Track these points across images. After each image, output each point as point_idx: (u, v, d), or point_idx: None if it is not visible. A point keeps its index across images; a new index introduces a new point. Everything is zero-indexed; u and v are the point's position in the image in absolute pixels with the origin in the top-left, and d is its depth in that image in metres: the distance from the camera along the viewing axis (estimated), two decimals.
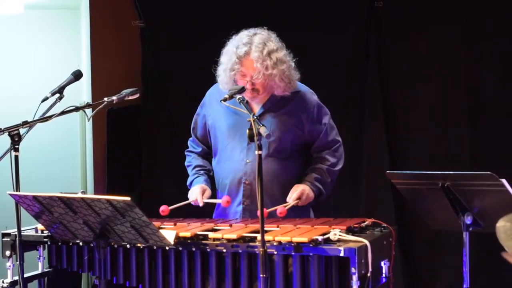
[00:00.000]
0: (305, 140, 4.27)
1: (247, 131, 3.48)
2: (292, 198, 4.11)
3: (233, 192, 4.23)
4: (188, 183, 4.37)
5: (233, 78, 4.12)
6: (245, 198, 4.20)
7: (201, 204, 4.17)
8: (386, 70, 5.73)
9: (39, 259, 4.08)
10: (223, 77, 4.16)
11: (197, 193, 4.19)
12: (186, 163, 4.46)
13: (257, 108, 4.21)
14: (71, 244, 3.91)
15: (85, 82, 6.00)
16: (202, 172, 4.36)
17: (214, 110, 4.33)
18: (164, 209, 4.08)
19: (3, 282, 3.93)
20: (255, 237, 3.53)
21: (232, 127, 4.23)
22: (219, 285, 3.61)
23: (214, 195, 4.33)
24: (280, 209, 4.00)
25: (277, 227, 3.76)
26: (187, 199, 4.24)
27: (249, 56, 4.06)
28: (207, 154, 4.43)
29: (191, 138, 4.49)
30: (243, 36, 4.13)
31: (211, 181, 4.38)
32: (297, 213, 4.16)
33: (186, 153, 4.49)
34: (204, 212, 4.33)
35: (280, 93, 4.15)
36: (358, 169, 5.74)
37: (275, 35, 4.21)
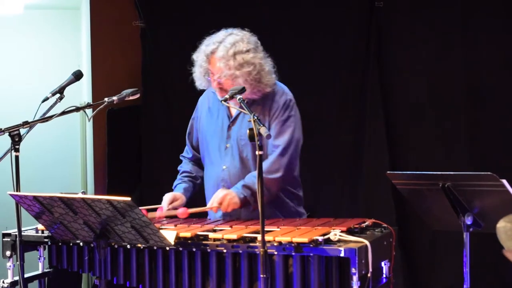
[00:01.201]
0: None
1: (247, 131, 3.46)
2: (211, 203, 4.07)
3: (211, 197, 4.20)
4: (173, 187, 4.37)
5: (204, 75, 4.15)
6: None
7: (164, 213, 4.10)
8: (387, 70, 5.73)
9: (39, 259, 4.08)
10: (196, 73, 4.21)
11: (165, 201, 4.16)
12: (178, 167, 4.47)
13: (234, 111, 4.22)
14: (71, 244, 3.91)
15: (86, 82, 6.01)
16: (186, 179, 4.37)
17: (201, 115, 4.37)
18: (183, 211, 4.06)
19: (3, 282, 3.93)
20: (256, 238, 3.52)
21: (213, 131, 4.25)
22: (220, 285, 3.61)
23: (202, 201, 4.32)
24: (182, 210, 4.01)
25: (278, 227, 3.75)
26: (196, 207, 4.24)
27: (215, 54, 4.08)
28: (198, 159, 4.43)
29: (186, 143, 4.51)
30: (219, 34, 4.15)
31: (196, 188, 4.38)
32: (279, 209, 4.16)
33: (180, 157, 4.51)
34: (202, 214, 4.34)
35: (247, 95, 4.07)
36: (359, 169, 5.74)
37: (255, 38, 4.18)
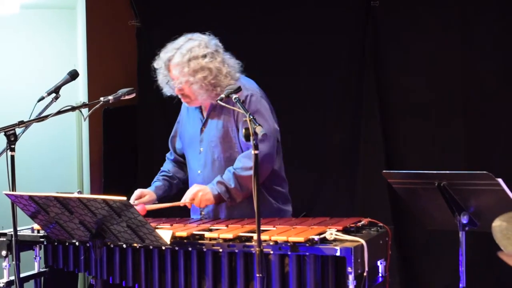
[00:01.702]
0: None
1: (243, 130, 3.46)
2: (184, 198, 4.07)
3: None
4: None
5: (167, 83, 4.16)
6: (202, 208, 4.19)
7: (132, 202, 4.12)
8: (383, 70, 5.72)
9: (35, 259, 4.08)
10: (160, 80, 4.22)
11: (132, 196, 4.17)
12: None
13: (205, 114, 4.24)
14: (67, 244, 3.91)
15: (81, 81, 6.00)
16: (161, 177, 4.40)
17: (183, 120, 4.40)
18: (141, 208, 4.04)
19: None
20: (251, 237, 3.53)
21: (191, 137, 4.28)
22: (216, 284, 3.61)
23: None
24: (140, 207, 4.01)
25: (274, 227, 3.75)
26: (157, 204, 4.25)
27: (171, 61, 4.10)
28: (180, 161, 4.45)
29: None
30: (179, 40, 4.16)
31: (173, 187, 4.39)
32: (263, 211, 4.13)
33: (166, 156, 4.55)
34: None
35: (206, 100, 4.10)
36: (354, 168, 5.74)
37: (215, 41, 4.16)
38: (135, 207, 3.97)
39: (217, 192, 4.03)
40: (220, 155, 4.15)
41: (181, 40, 4.15)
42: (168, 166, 4.46)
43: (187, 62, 4.05)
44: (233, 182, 4.03)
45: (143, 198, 4.19)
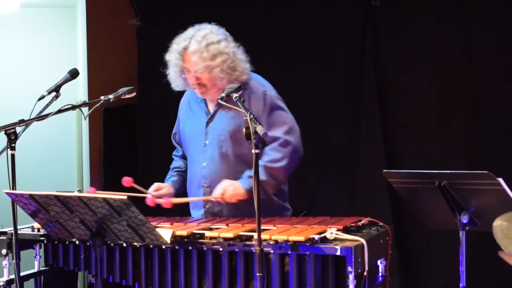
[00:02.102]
0: None
1: (244, 129, 3.46)
2: (214, 193, 4.08)
3: (194, 195, 4.25)
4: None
5: (180, 75, 4.16)
6: (206, 202, 4.19)
7: (150, 199, 4.13)
8: (383, 69, 5.72)
9: (35, 257, 4.08)
10: (172, 75, 4.22)
11: (151, 188, 4.20)
12: (170, 166, 4.50)
13: (212, 107, 4.23)
14: (67, 242, 3.91)
15: (82, 80, 6.00)
16: (175, 173, 4.41)
17: (182, 114, 4.40)
18: (128, 180, 4.07)
19: None
20: (252, 236, 3.53)
21: (193, 129, 4.27)
22: (216, 284, 3.61)
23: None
24: (165, 200, 4.03)
25: (274, 226, 3.75)
26: (184, 197, 4.25)
27: (188, 50, 4.10)
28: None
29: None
30: (188, 31, 4.18)
31: (185, 181, 4.38)
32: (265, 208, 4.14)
33: (172, 155, 4.54)
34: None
35: (225, 85, 4.04)
36: (355, 168, 5.73)
37: (223, 30, 4.20)
38: (161, 200, 4.05)
39: (249, 186, 4.01)
40: (229, 149, 4.14)
41: (191, 30, 4.17)
42: (178, 163, 4.46)
43: (205, 47, 4.07)
44: (264, 175, 4.05)
45: (161, 191, 4.19)
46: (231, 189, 4.04)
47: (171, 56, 4.18)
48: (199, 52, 4.07)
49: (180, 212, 4.31)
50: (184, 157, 4.46)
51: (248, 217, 4.01)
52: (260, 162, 4.02)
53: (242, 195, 4.04)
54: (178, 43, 4.15)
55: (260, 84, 4.21)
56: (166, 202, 4.07)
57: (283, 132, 4.15)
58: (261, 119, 4.06)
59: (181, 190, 4.35)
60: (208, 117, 4.23)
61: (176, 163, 4.47)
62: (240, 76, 4.13)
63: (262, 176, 4.01)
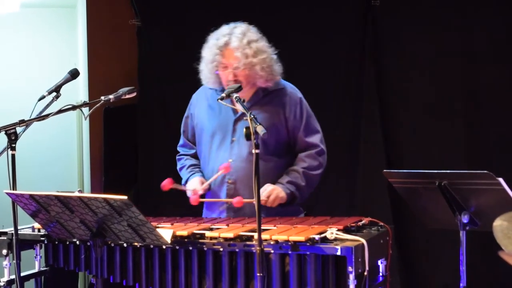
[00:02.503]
0: (288, 139, 4.23)
1: (244, 129, 3.46)
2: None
3: (216, 191, 4.22)
4: (183, 182, 4.33)
5: (215, 71, 4.14)
6: (229, 197, 4.17)
7: (200, 192, 4.12)
8: (383, 69, 5.73)
9: (35, 258, 4.08)
10: (205, 71, 4.19)
11: (196, 183, 4.16)
12: (178, 166, 4.43)
13: (233, 107, 4.20)
14: (68, 243, 3.91)
15: (82, 80, 5.99)
16: (197, 169, 4.34)
17: (199, 111, 4.34)
18: (166, 183, 4.06)
19: None
20: (252, 236, 3.52)
21: (217, 126, 4.23)
22: (216, 284, 3.61)
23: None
24: (238, 199, 3.99)
25: (274, 226, 3.75)
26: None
27: (229, 46, 4.09)
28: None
29: (181, 143, 4.46)
30: (224, 28, 4.17)
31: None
32: (287, 212, 4.16)
33: (177, 157, 4.46)
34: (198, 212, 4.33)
35: (263, 84, 4.12)
36: (355, 168, 5.74)
37: (256, 29, 4.21)
38: (232, 200, 4.02)
39: (289, 191, 4.09)
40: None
41: (225, 28, 4.16)
42: (191, 161, 4.38)
43: (247, 44, 4.08)
44: (304, 181, 4.13)
45: (204, 185, 4.16)
46: (276, 192, 4.06)
47: (209, 52, 4.14)
48: (241, 48, 4.06)
49: (189, 210, 4.28)
50: (195, 156, 4.40)
51: (248, 217, 4.02)
52: (298, 168, 4.15)
53: (283, 199, 4.09)
54: (217, 39, 4.12)
55: (295, 90, 4.28)
56: (238, 201, 4.01)
57: (319, 140, 4.26)
58: (297, 125, 4.20)
59: None
60: (236, 115, 4.19)
61: (190, 161, 4.39)
62: (275, 77, 4.18)
63: (301, 181, 4.14)
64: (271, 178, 4.14)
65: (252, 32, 4.15)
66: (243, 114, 4.16)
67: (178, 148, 4.48)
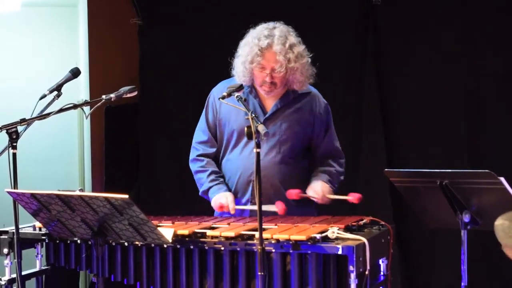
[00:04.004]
0: (311, 142, 4.27)
1: (245, 128, 3.47)
2: (309, 193, 4.11)
3: (241, 190, 4.20)
4: (204, 188, 4.24)
5: (252, 71, 4.09)
6: (253, 197, 4.14)
7: (232, 212, 4.10)
8: (384, 69, 5.72)
9: (37, 256, 4.08)
10: (242, 69, 4.12)
11: (230, 200, 4.10)
12: (197, 168, 4.29)
13: (270, 105, 4.19)
14: (69, 241, 3.92)
15: (83, 79, 5.99)
16: (221, 179, 4.25)
17: (225, 108, 4.23)
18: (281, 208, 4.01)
19: (0, 280, 3.93)
20: (253, 235, 3.52)
21: (243, 126, 4.17)
22: (217, 282, 3.61)
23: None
24: (280, 205, 3.98)
25: (275, 225, 3.75)
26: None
27: (272, 48, 4.04)
28: (218, 155, 4.33)
29: (202, 139, 4.31)
30: (263, 29, 4.10)
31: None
32: (304, 208, 4.19)
33: (196, 157, 4.30)
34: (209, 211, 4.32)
35: (298, 87, 4.13)
36: (356, 167, 5.73)
37: (293, 30, 4.18)
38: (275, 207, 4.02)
39: (334, 188, 4.22)
40: (287, 150, 4.15)
41: (265, 28, 4.10)
42: (213, 166, 4.27)
43: (290, 48, 4.05)
44: (337, 182, 4.26)
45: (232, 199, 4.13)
46: (326, 191, 4.12)
47: (249, 51, 4.07)
48: (284, 52, 4.02)
49: (182, 212, 4.29)
50: (214, 157, 4.31)
51: (250, 217, 4.02)
52: (332, 169, 4.23)
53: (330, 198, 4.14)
54: (258, 39, 4.05)
55: (320, 95, 4.31)
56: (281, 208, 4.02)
57: (339, 144, 4.34)
58: (323, 130, 4.26)
59: None
60: (266, 115, 4.17)
61: (211, 166, 4.28)
62: (308, 81, 4.18)
63: (335, 182, 4.23)
64: (291, 180, 4.15)
65: (292, 35, 4.12)
66: (274, 115, 4.16)
67: (197, 145, 4.33)
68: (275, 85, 4.08)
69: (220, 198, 4.13)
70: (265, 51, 4.04)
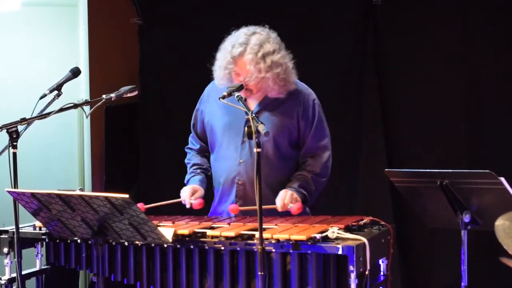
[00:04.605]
0: (298, 141, 4.21)
1: (245, 128, 3.47)
2: (282, 202, 3.99)
3: (226, 191, 4.21)
4: (185, 181, 4.32)
5: (228, 76, 4.09)
6: (238, 199, 4.15)
7: (187, 206, 4.12)
8: (384, 69, 5.72)
9: (37, 256, 4.08)
10: (219, 73, 4.12)
11: (186, 194, 4.13)
12: (186, 160, 4.40)
13: (253, 106, 4.17)
14: (69, 241, 3.91)
15: (83, 79, 5.99)
16: (198, 171, 4.30)
17: (211, 107, 4.28)
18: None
19: (0, 279, 3.93)
20: (253, 235, 3.52)
21: (228, 125, 4.19)
22: (217, 282, 3.61)
23: (210, 194, 4.30)
24: (296, 205, 3.96)
25: (276, 225, 3.75)
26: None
27: (243, 57, 4.01)
28: (205, 151, 4.37)
29: (191, 134, 4.43)
30: (241, 35, 4.07)
31: (208, 179, 4.33)
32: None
33: (186, 149, 4.44)
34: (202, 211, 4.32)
35: (274, 95, 4.09)
36: (356, 167, 5.73)
37: (275, 35, 4.14)
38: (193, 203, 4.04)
39: (302, 195, 4.06)
40: (270, 150, 4.11)
41: (243, 34, 4.07)
42: (196, 159, 4.35)
43: (262, 58, 4.00)
44: (313, 186, 4.12)
45: (196, 194, 4.14)
46: (295, 197, 4.00)
47: (223, 58, 4.08)
48: (255, 62, 3.98)
49: (190, 209, 4.27)
50: (202, 150, 4.36)
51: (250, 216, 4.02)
52: (307, 173, 4.13)
53: (301, 207, 4.02)
54: (232, 46, 4.04)
55: (309, 91, 4.23)
56: (199, 203, 4.08)
57: (327, 144, 4.23)
58: (308, 128, 4.17)
59: (206, 189, 4.30)
60: (252, 115, 4.16)
61: (195, 159, 4.36)
62: (289, 86, 4.11)
63: (312, 186, 4.11)
64: (278, 179, 4.12)
65: (270, 43, 4.06)
66: (257, 115, 4.15)
67: (189, 139, 4.44)
68: (251, 91, 4.06)
69: (183, 191, 4.17)
70: (237, 59, 4.02)
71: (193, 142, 4.41)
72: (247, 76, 4.00)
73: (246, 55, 4.00)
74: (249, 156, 4.12)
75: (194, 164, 4.34)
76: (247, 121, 4.09)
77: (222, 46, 4.14)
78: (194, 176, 4.29)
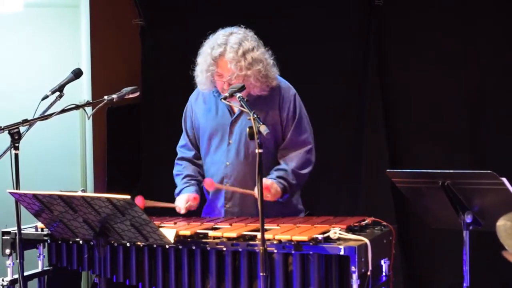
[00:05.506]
0: (282, 136, 4.21)
1: (247, 129, 3.47)
2: (256, 189, 3.97)
3: (215, 194, 4.23)
4: (176, 191, 4.29)
5: (210, 79, 4.12)
6: (227, 201, 4.19)
7: (182, 212, 4.12)
8: (385, 69, 5.72)
9: (39, 257, 4.09)
10: (201, 78, 4.16)
11: (182, 201, 4.14)
12: (175, 172, 4.38)
13: (236, 106, 4.17)
14: (71, 242, 3.91)
15: (85, 80, 6.00)
16: (193, 182, 4.29)
17: (198, 111, 4.32)
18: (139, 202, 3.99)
19: (3, 280, 3.93)
20: (255, 236, 3.53)
21: (214, 128, 4.22)
22: (219, 283, 3.61)
23: (203, 203, 4.32)
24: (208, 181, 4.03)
25: (277, 225, 3.75)
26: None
27: (224, 57, 4.04)
28: (199, 157, 4.37)
29: (181, 143, 4.41)
30: (219, 36, 4.11)
31: (201, 191, 4.32)
32: (284, 207, 4.17)
33: (176, 161, 4.40)
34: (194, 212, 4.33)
35: (257, 92, 4.11)
36: (358, 167, 5.73)
37: (253, 33, 4.17)
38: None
39: (282, 185, 4.07)
40: (254, 150, 4.10)
41: (222, 35, 4.11)
42: (189, 170, 4.33)
43: (242, 56, 4.03)
44: (294, 179, 4.11)
45: (194, 203, 4.16)
46: (275, 186, 4.03)
47: (203, 60, 4.12)
48: (236, 60, 4.02)
49: (197, 210, 4.27)
50: (195, 159, 4.36)
51: (251, 217, 4.02)
52: (287, 167, 4.12)
53: (280, 194, 4.07)
54: (212, 48, 4.08)
55: (288, 86, 4.24)
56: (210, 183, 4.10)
57: (308, 138, 4.22)
58: (289, 123, 4.17)
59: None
60: (233, 117, 4.19)
61: (187, 170, 4.34)
62: (271, 82, 4.14)
63: (292, 180, 4.10)
64: (266, 176, 4.11)
65: (249, 41, 4.10)
66: (239, 116, 4.17)
67: (178, 149, 4.42)
68: None
69: (179, 199, 4.18)
70: (218, 60, 4.06)
71: (185, 151, 4.39)
72: (229, 75, 4.04)
73: (227, 54, 4.04)
74: (236, 157, 4.16)
75: (187, 175, 4.32)
76: (232, 123, 4.17)
77: (201, 51, 4.19)
78: (189, 186, 4.27)
